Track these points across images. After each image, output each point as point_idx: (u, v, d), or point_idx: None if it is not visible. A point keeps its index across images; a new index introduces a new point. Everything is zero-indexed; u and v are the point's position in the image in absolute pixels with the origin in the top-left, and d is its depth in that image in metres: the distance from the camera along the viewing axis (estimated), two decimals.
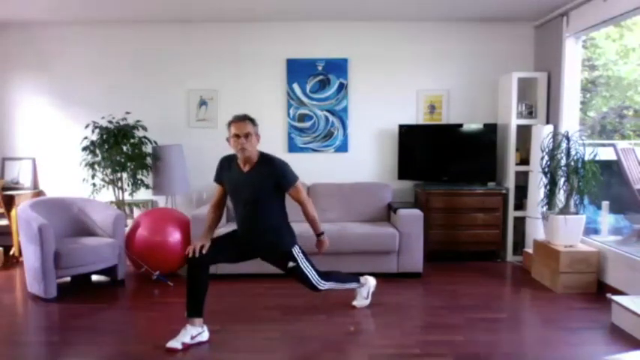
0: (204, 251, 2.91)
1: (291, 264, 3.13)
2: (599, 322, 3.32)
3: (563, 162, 4.08)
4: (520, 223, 4.90)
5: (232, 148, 3.01)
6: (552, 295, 3.90)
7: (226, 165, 3.14)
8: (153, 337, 3.10)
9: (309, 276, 3.18)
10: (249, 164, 3.02)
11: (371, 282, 3.58)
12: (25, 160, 5.28)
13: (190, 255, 2.91)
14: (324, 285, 3.24)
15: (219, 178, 3.17)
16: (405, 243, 4.28)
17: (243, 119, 2.99)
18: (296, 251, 3.17)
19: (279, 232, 3.14)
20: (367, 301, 3.55)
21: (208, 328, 3.05)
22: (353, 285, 3.50)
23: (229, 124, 3.01)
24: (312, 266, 3.21)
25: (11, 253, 4.96)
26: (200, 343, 2.94)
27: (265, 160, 3.05)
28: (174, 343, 2.88)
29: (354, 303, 3.55)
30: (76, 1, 4.41)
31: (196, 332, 2.97)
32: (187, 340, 2.91)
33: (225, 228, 4.42)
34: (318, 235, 3.25)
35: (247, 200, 3.04)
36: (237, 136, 2.94)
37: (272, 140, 5.24)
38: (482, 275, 4.45)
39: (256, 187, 3.01)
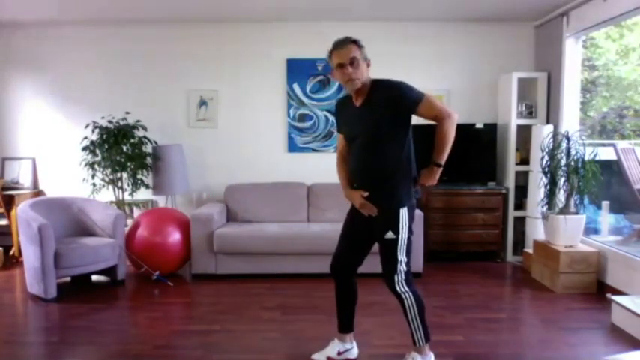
0: (365, 194, 2.49)
1: (390, 235, 2.46)
2: (599, 322, 3.32)
3: (563, 162, 4.08)
4: (520, 223, 4.90)
5: (340, 82, 2.50)
6: (552, 295, 3.90)
7: (341, 108, 2.64)
8: (153, 337, 3.10)
9: (399, 261, 2.47)
10: (362, 96, 2.48)
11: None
12: (25, 160, 5.28)
13: (366, 214, 2.48)
14: (402, 286, 2.48)
15: (339, 127, 2.69)
16: None
17: (345, 43, 2.43)
18: (403, 217, 2.46)
19: (394, 182, 2.47)
20: None
21: (208, 328, 3.05)
22: (421, 335, 2.59)
23: (330, 53, 2.47)
24: (409, 254, 2.51)
25: (11, 253, 4.97)
26: None
27: (379, 85, 2.47)
28: (319, 357, 2.73)
29: None
30: (76, 1, 4.41)
31: (344, 348, 2.74)
32: (334, 354, 2.73)
33: (227, 228, 4.43)
34: (434, 163, 2.47)
35: (362, 141, 2.49)
36: (341, 65, 2.40)
37: (272, 140, 5.25)
38: (483, 275, 4.45)
39: (372, 121, 2.43)
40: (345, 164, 2.65)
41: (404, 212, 2.46)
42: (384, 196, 2.47)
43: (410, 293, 2.50)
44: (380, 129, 2.42)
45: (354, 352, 2.78)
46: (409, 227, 2.49)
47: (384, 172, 2.46)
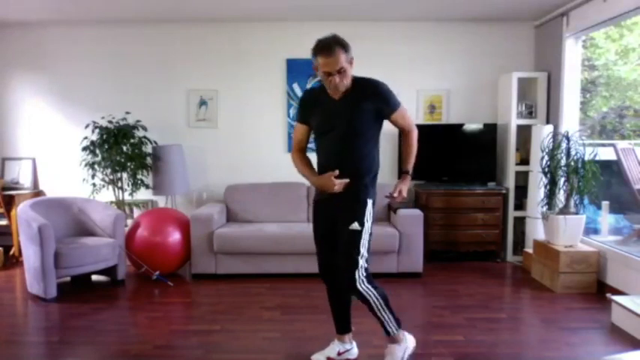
0: (335, 173, 2.43)
1: (355, 226, 2.44)
2: (599, 322, 3.32)
3: (563, 162, 4.08)
4: (520, 223, 4.90)
5: (323, 82, 2.46)
6: (552, 295, 3.90)
7: (311, 100, 2.57)
8: (153, 337, 3.10)
9: (359, 257, 2.43)
10: (343, 92, 2.46)
11: (410, 343, 2.68)
12: (25, 160, 5.28)
13: (337, 189, 2.43)
14: (363, 284, 2.44)
15: (304, 118, 2.59)
16: (405, 243, 4.28)
17: (332, 50, 2.30)
18: (369, 209, 2.49)
19: (365, 177, 2.50)
20: None
21: (208, 328, 3.05)
22: (392, 324, 2.59)
23: (314, 54, 2.37)
24: (368, 250, 2.49)
25: (11, 253, 4.96)
26: None
27: (362, 82, 2.46)
28: (319, 357, 2.72)
29: None
30: (76, 1, 4.41)
31: (344, 349, 2.73)
32: (333, 355, 2.72)
33: (227, 228, 4.43)
34: (406, 172, 2.56)
35: (338, 135, 2.46)
36: (328, 73, 2.36)
37: (272, 140, 5.25)
38: (482, 275, 4.45)
39: (353, 116, 2.42)
40: (305, 155, 2.65)
41: (370, 204, 2.50)
42: (355, 188, 2.47)
43: (373, 290, 2.48)
44: (361, 124, 2.45)
45: (354, 352, 2.78)
46: (372, 221, 2.53)
47: (357, 167, 2.48)
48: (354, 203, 2.48)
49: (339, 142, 2.48)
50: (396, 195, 2.50)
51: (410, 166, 2.57)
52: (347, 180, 2.43)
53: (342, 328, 2.77)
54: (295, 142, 2.67)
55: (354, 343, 2.81)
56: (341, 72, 2.35)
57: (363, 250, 2.46)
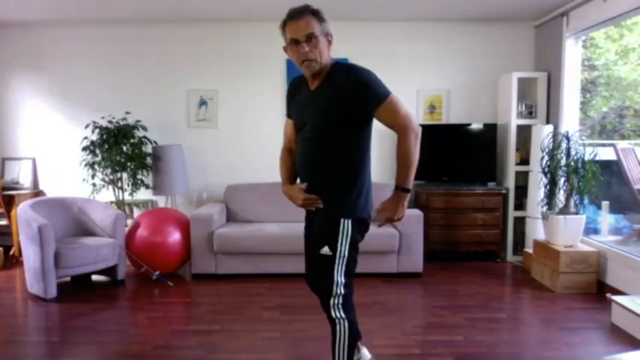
0: (303, 186, 2.13)
1: (325, 250, 2.07)
2: (599, 322, 3.32)
3: (563, 162, 4.08)
4: (520, 223, 4.90)
5: (293, 62, 2.06)
6: (552, 295, 3.90)
7: (294, 89, 2.22)
8: (153, 337, 3.10)
9: (335, 283, 2.08)
10: (319, 79, 2.06)
11: (365, 356, 2.46)
12: (25, 160, 5.28)
13: (312, 208, 2.14)
14: (337, 312, 2.11)
15: (288, 111, 2.28)
16: (405, 243, 4.28)
17: (301, 14, 1.97)
18: (344, 230, 2.05)
19: (340, 186, 2.07)
20: None
21: (208, 328, 3.05)
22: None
23: (283, 24, 2.02)
24: (349, 275, 2.12)
25: (11, 253, 4.96)
26: None
27: (341, 68, 2.05)
28: None
29: None
30: (76, 1, 4.41)
31: (356, 358, 2.36)
32: None
33: (227, 228, 4.43)
34: (398, 188, 2.03)
35: (310, 131, 2.08)
36: (295, 41, 1.97)
37: (272, 140, 5.24)
38: (482, 275, 4.45)
39: (323, 109, 2.02)
40: (292, 155, 2.28)
41: (346, 224, 2.05)
42: (326, 200, 2.08)
43: (345, 321, 2.11)
44: (329, 119, 2.02)
45: (366, 357, 2.48)
46: (351, 243, 2.07)
47: (330, 176, 2.06)
48: (325, 222, 2.09)
49: (309, 142, 2.09)
50: (373, 214, 2.09)
51: (403, 180, 2.00)
52: (315, 197, 2.08)
53: None
54: (284, 139, 2.33)
55: (365, 349, 2.58)
56: (310, 41, 1.95)
57: (338, 277, 2.07)
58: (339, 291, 2.08)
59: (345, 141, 2.05)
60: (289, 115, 2.27)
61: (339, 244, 2.05)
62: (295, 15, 1.97)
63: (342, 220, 2.05)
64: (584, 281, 3.92)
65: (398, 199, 2.03)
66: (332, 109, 2.01)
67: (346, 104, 1.99)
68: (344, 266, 2.08)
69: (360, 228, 2.12)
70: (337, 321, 2.13)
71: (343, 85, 1.99)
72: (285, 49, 2.06)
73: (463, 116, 5.18)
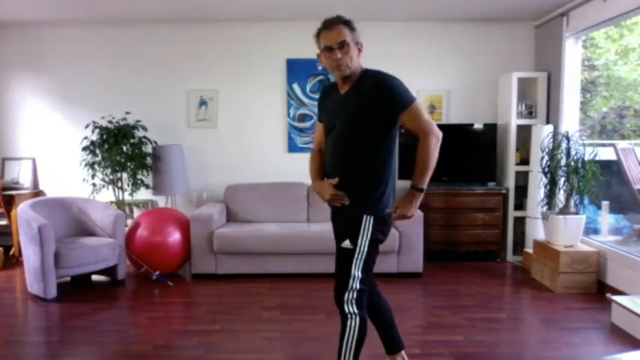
0: (334, 181, 2.22)
1: (347, 244, 2.17)
2: (599, 322, 3.32)
3: (563, 162, 4.09)
4: (520, 223, 4.90)
5: (327, 68, 2.22)
6: (552, 295, 3.90)
7: (326, 95, 2.36)
8: (153, 337, 3.10)
9: (349, 279, 2.16)
10: (349, 84, 2.21)
11: None
12: (25, 160, 5.28)
13: (338, 204, 2.22)
14: (350, 306, 2.18)
15: (320, 115, 2.41)
16: (405, 243, 4.28)
17: (335, 24, 2.14)
18: (366, 226, 2.17)
19: (364, 186, 2.18)
20: None
21: (208, 328, 3.05)
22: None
23: (318, 33, 2.18)
24: (366, 271, 2.20)
25: (11, 253, 4.96)
26: None
27: (368, 75, 2.20)
28: None
29: None
30: (76, 1, 4.41)
31: None
32: None
33: (227, 228, 4.43)
34: (413, 187, 2.16)
35: (337, 133, 2.21)
36: (328, 49, 2.13)
37: (272, 140, 5.25)
38: (482, 275, 4.45)
39: (350, 114, 2.16)
40: (321, 156, 2.39)
41: (368, 221, 2.16)
42: (351, 197, 2.18)
43: (357, 317, 2.18)
44: (356, 121, 2.15)
45: None
46: (372, 240, 2.17)
47: (355, 175, 2.18)
48: (348, 217, 2.21)
49: (337, 143, 2.22)
50: (389, 210, 2.22)
51: (421, 181, 2.14)
52: (341, 193, 2.19)
53: (389, 345, 2.54)
54: (315, 141, 2.46)
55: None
56: (343, 48, 2.11)
57: (355, 272, 2.16)
58: (354, 285, 2.17)
59: (371, 142, 2.17)
60: (320, 119, 2.40)
61: (359, 239, 2.16)
62: (329, 24, 2.15)
63: (364, 217, 2.17)
64: (584, 281, 3.92)
65: (412, 197, 2.17)
66: (359, 112, 2.14)
67: (373, 108, 2.12)
68: (362, 262, 2.17)
69: (382, 227, 2.22)
70: (349, 316, 2.19)
71: (371, 89, 2.13)
72: (318, 55, 2.22)
73: (463, 116, 5.18)
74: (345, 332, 2.20)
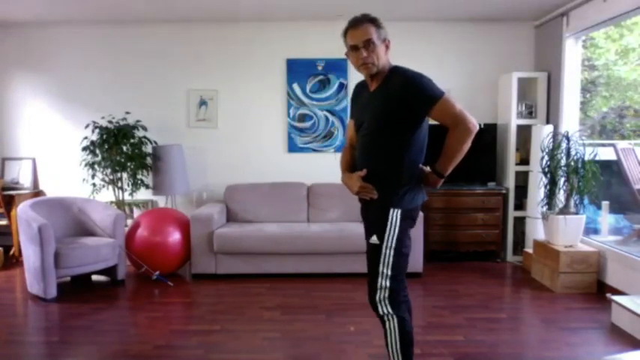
0: (362, 173, 2.19)
1: (374, 239, 2.14)
2: (599, 322, 3.32)
3: (563, 162, 4.08)
4: (520, 223, 4.90)
5: (353, 65, 2.21)
6: (552, 295, 3.90)
7: (357, 92, 2.38)
8: (153, 337, 3.10)
9: (380, 274, 2.12)
10: (378, 81, 2.20)
11: None
12: (25, 160, 5.28)
13: (367, 197, 2.19)
14: (384, 307, 2.13)
15: (351, 113, 2.43)
16: None
17: (361, 23, 2.13)
18: (393, 220, 2.13)
19: (391, 181, 2.16)
20: None
21: (208, 328, 3.05)
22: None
23: (345, 32, 2.18)
24: (397, 268, 2.15)
25: (11, 253, 4.96)
26: None
27: (397, 72, 2.18)
28: None
29: None
30: (76, 2, 4.41)
31: None
32: None
33: (227, 228, 4.43)
34: (436, 171, 2.23)
35: (366, 130, 2.21)
36: (354, 48, 2.13)
37: (272, 140, 5.25)
38: (482, 275, 4.45)
39: (380, 109, 2.15)
40: (352, 151, 2.37)
41: (395, 214, 2.12)
42: (378, 191, 2.16)
43: (394, 317, 2.12)
44: (384, 117, 2.14)
45: None
46: (399, 237, 2.13)
47: (382, 170, 2.16)
48: (375, 212, 2.17)
49: (366, 139, 2.21)
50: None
51: (444, 168, 2.19)
52: (369, 185, 2.16)
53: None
54: (347, 137, 2.46)
55: None
56: (368, 47, 2.10)
57: (383, 269, 2.11)
58: (384, 284, 2.12)
59: (399, 138, 2.16)
60: (351, 115, 2.40)
61: (386, 234, 2.12)
62: (355, 23, 2.14)
63: (391, 210, 2.13)
64: (584, 281, 3.92)
65: (432, 180, 2.23)
66: (387, 109, 2.13)
67: (401, 103, 2.10)
68: (390, 258, 2.13)
69: (408, 221, 2.20)
70: (385, 317, 2.14)
71: (399, 86, 2.12)
72: (346, 54, 2.22)
73: None
74: (387, 335, 2.15)
